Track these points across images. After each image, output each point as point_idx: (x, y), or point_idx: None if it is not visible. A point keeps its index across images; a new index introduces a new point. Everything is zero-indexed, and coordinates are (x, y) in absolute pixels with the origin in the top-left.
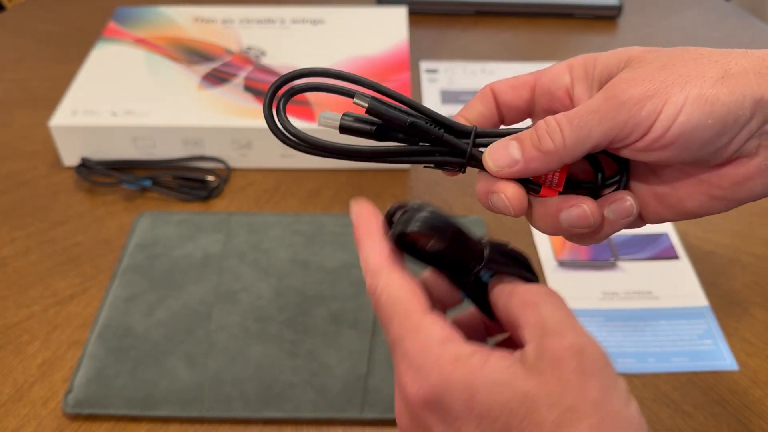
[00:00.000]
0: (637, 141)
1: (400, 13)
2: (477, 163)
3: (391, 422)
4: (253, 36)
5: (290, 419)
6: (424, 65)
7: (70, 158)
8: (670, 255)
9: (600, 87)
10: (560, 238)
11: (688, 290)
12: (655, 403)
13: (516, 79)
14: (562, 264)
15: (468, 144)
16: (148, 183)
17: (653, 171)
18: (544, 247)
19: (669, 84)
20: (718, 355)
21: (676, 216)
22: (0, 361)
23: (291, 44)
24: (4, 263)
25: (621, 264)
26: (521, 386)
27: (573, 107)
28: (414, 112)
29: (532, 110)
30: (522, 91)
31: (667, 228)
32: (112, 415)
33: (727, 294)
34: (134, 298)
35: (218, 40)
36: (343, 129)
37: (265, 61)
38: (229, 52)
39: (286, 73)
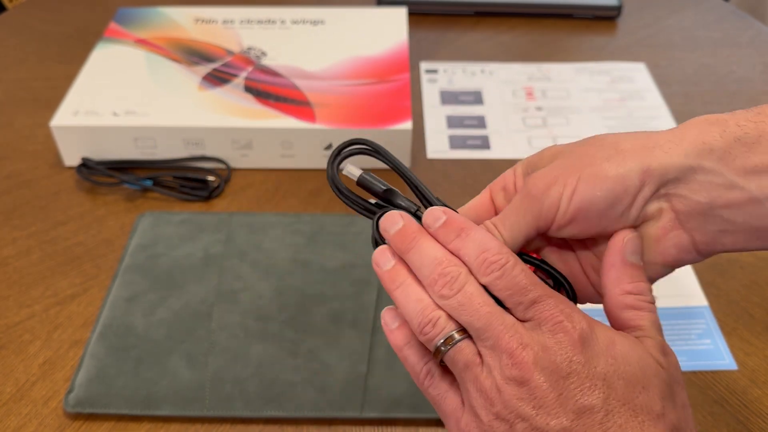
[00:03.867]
0: (551, 224)
1: (400, 13)
2: None
3: (390, 421)
4: (253, 36)
5: (291, 418)
6: (424, 66)
7: (71, 158)
8: None
9: None
10: None
11: (687, 290)
12: None
13: (480, 201)
14: None
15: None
16: (148, 183)
17: (586, 246)
18: None
19: (567, 170)
20: (717, 354)
21: None
22: (1, 360)
23: (291, 45)
24: (6, 263)
25: None
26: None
27: None
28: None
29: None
30: (488, 204)
31: None
32: (113, 415)
33: (726, 294)
34: (135, 298)
35: (219, 40)
36: (359, 183)
37: (266, 61)
38: (229, 52)
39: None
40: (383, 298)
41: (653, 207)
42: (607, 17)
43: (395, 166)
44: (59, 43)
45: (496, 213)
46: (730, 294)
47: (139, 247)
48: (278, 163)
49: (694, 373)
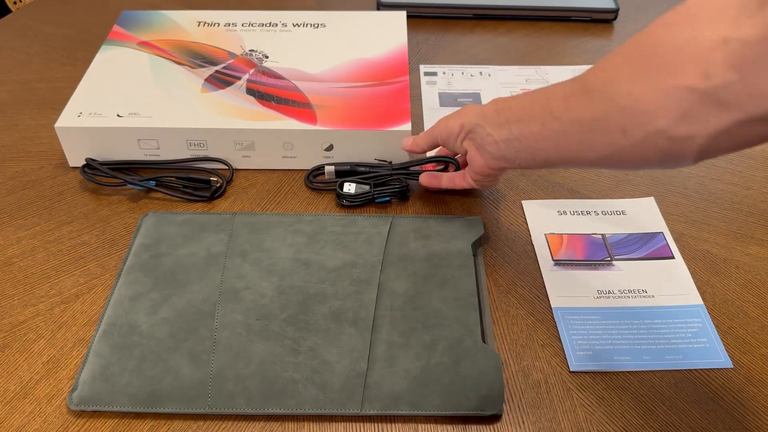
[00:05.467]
0: (438, 144)
1: (400, 17)
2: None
3: (390, 418)
4: (255, 39)
5: (292, 415)
6: (423, 68)
7: (76, 159)
8: (665, 254)
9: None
10: (557, 238)
11: (683, 289)
12: (650, 400)
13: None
14: (558, 263)
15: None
16: (152, 184)
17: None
18: (542, 247)
19: (441, 122)
20: (712, 353)
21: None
22: (6, 358)
23: (293, 48)
24: (11, 262)
25: (617, 263)
26: None
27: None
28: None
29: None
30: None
31: (662, 228)
32: (116, 412)
33: (721, 293)
34: (139, 297)
35: (221, 43)
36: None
37: (268, 64)
38: (231, 55)
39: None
40: (383, 296)
41: (465, 143)
42: (603, 20)
43: (352, 164)
44: (63, 46)
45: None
46: (726, 293)
47: (143, 246)
48: (280, 164)
49: (690, 371)
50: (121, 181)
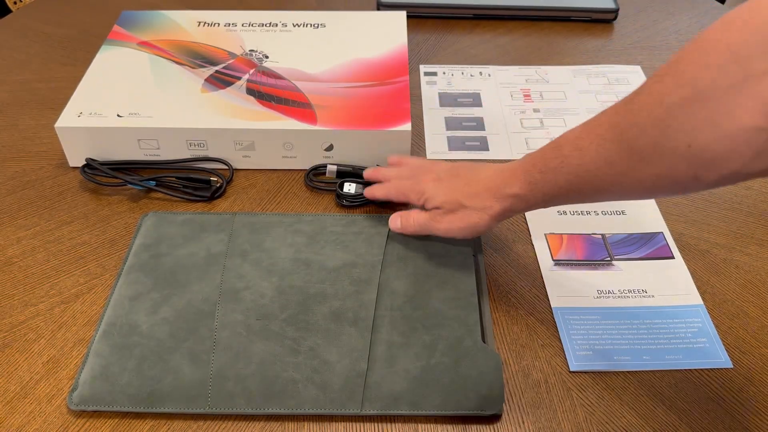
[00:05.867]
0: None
1: (400, 17)
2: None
3: (390, 418)
4: (255, 39)
5: (292, 415)
6: (423, 68)
7: (76, 159)
8: (665, 254)
9: None
10: (557, 238)
11: (683, 289)
12: (650, 400)
13: None
14: (559, 263)
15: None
16: (152, 184)
17: None
18: (542, 247)
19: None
20: (712, 352)
21: None
22: (6, 358)
23: (293, 48)
24: (11, 262)
25: (617, 263)
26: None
27: None
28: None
29: None
30: None
31: (662, 228)
32: (116, 412)
33: (721, 293)
34: (139, 297)
35: (221, 43)
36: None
37: (268, 64)
38: (232, 55)
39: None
40: (383, 296)
41: None
42: (603, 20)
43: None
44: (63, 46)
45: None
46: (726, 293)
47: (143, 246)
48: (280, 164)
49: (690, 371)
50: (121, 181)
